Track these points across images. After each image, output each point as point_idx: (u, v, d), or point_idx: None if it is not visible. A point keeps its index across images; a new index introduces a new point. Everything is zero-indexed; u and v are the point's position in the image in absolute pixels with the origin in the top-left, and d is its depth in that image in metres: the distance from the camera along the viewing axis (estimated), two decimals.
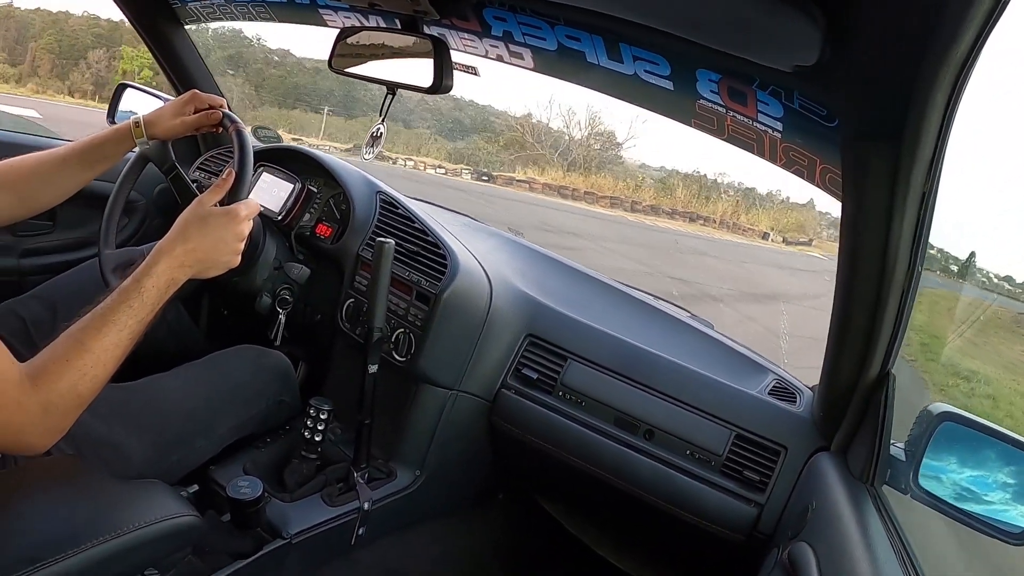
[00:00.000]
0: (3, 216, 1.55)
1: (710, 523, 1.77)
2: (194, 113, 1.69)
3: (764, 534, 1.71)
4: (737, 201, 33.00)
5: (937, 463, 1.32)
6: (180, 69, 2.50)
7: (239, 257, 1.45)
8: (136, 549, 1.21)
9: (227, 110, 1.72)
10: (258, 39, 26.68)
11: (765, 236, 31.82)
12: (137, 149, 1.67)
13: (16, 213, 1.57)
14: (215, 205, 1.42)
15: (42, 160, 1.57)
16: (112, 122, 2.43)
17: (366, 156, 1.95)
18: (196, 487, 1.58)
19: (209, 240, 1.37)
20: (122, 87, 2.50)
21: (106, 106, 2.51)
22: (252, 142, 1.64)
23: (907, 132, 1.02)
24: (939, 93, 0.94)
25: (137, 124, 1.63)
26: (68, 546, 1.13)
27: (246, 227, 1.45)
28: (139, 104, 2.44)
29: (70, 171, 1.60)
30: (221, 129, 1.71)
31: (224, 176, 1.49)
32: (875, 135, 1.11)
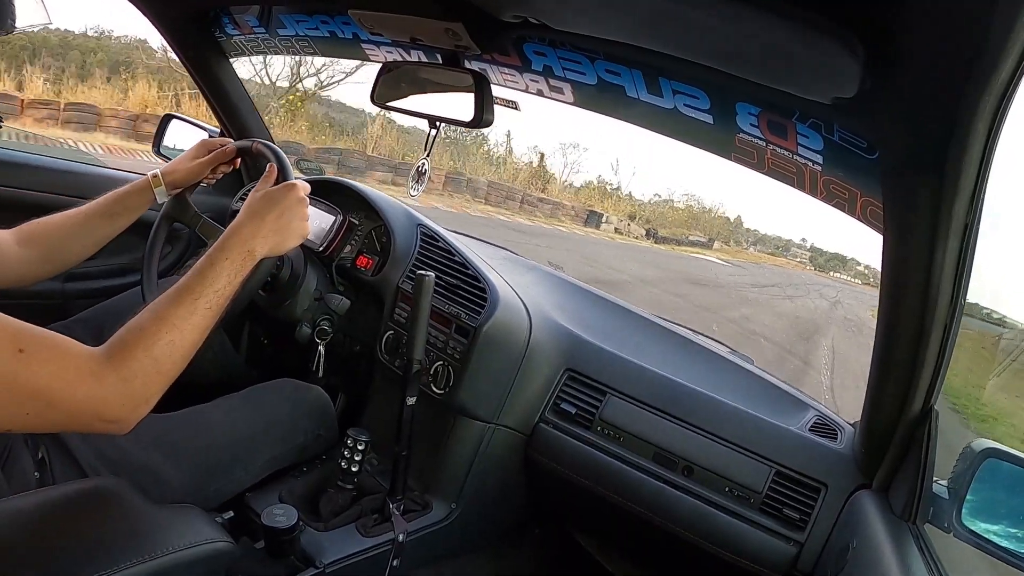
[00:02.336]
0: (30, 273, 1.59)
1: (748, 561, 1.74)
2: (209, 153, 1.77)
3: (803, 573, 1.68)
4: (539, 165, 25.76)
5: (981, 501, 1.29)
6: (224, 101, 2.56)
7: (308, 224, 1.49)
8: (169, 573, 1.22)
9: (239, 141, 1.81)
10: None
11: (592, 220, 25.03)
12: (159, 199, 1.73)
13: (43, 269, 1.61)
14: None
15: (67, 218, 1.62)
16: (157, 151, 2.51)
17: (412, 193, 1.97)
18: (231, 513, 1.59)
19: (277, 210, 1.41)
20: (168, 118, 2.57)
21: None
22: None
23: (949, 163, 1.01)
24: (980, 122, 0.93)
25: (155, 176, 1.71)
26: (102, 566, 1.13)
27: (306, 198, 1.49)
28: (183, 134, 2.51)
29: (94, 226, 1.65)
30: (239, 161, 1.81)
31: (268, 170, 1.56)
32: (916, 166, 1.10)
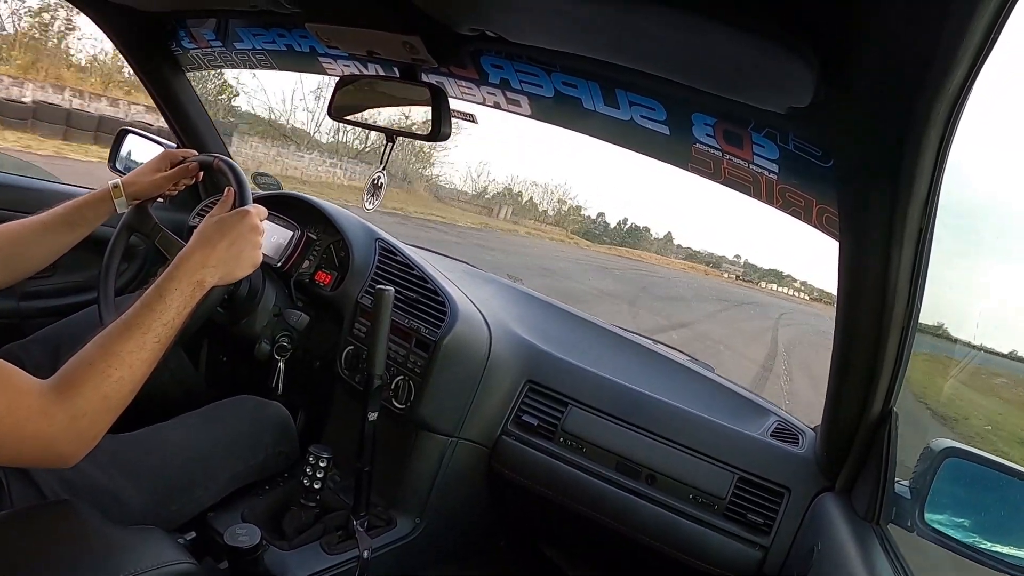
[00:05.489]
0: None
1: (714, 567, 1.75)
2: (171, 167, 1.76)
3: None
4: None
5: (942, 499, 1.31)
6: (181, 114, 2.54)
7: (260, 252, 1.47)
8: None
9: (201, 156, 1.79)
10: None
11: None
12: (119, 210, 1.71)
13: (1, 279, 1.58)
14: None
15: (25, 226, 1.59)
16: (112, 166, 2.46)
17: (368, 207, 1.96)
18: (193, 534, 1.57)
19: (229, 238, 1.38)
20: (123, 132, 2.53)
21: None
22: (251, 187, 1.66)
23: (903, 169, 1.02)
24: (933, 129, 0.94)
25: (116, 186, 1.69)
26: None
27: (260, 224, 1.47)
28: (139, 149, 2.47)
29: (52, 236, 1.63)
30: (201, 175, 1.81)
31: (226, 194, 1.54)
32: (871, 174, 1.12)
